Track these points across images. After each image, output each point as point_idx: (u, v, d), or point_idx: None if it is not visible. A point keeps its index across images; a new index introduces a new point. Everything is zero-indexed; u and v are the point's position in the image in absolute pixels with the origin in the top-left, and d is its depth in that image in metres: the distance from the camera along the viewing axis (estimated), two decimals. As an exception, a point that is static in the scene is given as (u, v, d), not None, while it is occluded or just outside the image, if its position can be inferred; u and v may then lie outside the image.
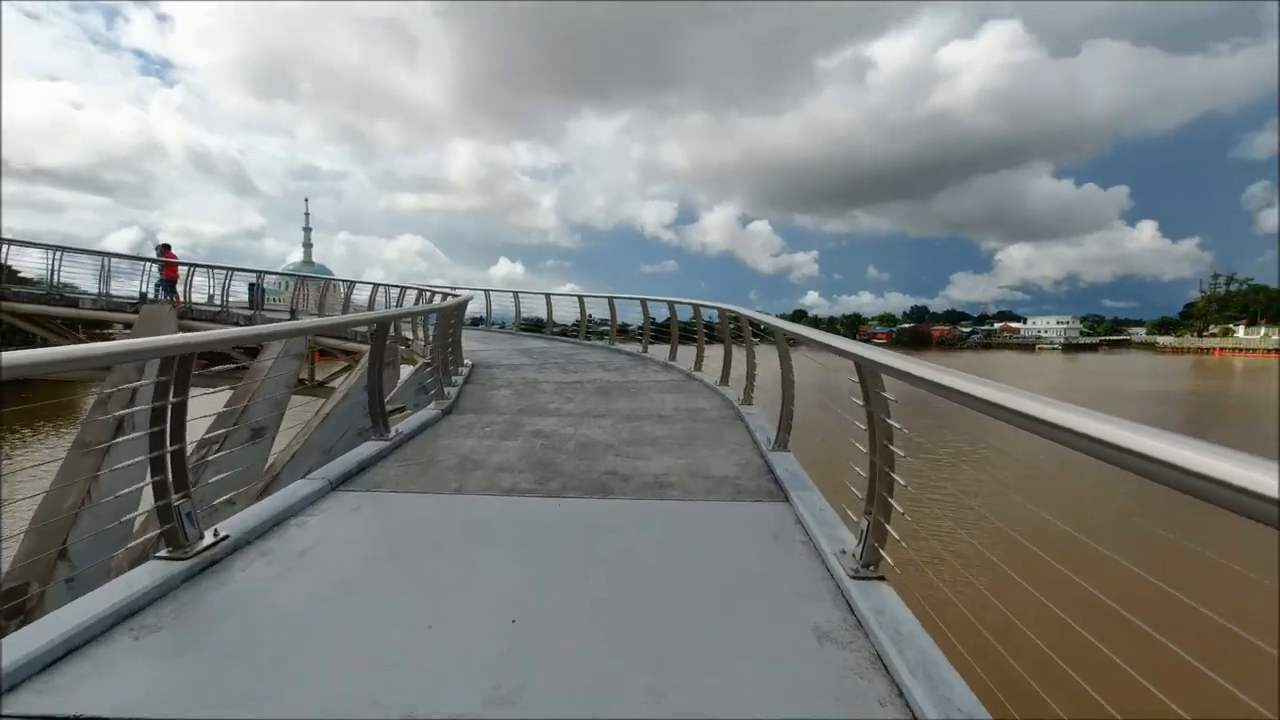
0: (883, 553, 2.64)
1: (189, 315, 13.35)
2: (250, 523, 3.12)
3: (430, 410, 5.94)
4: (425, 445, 4.91)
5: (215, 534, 2.95)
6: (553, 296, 14.61)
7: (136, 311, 12.76)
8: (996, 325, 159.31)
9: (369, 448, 4.61)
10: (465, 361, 9.23)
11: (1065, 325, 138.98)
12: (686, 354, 9.55)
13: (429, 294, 11.52)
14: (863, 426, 2.78)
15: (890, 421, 2.64)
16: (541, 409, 6.34)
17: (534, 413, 6.17)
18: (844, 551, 2.81)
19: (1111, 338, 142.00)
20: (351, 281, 15.69)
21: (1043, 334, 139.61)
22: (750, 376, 6.32)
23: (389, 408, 6.23)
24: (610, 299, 12.17)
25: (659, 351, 10.73)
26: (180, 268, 14.26)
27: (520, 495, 3.80)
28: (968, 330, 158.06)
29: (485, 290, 15.99)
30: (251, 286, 16.49)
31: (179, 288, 13.66)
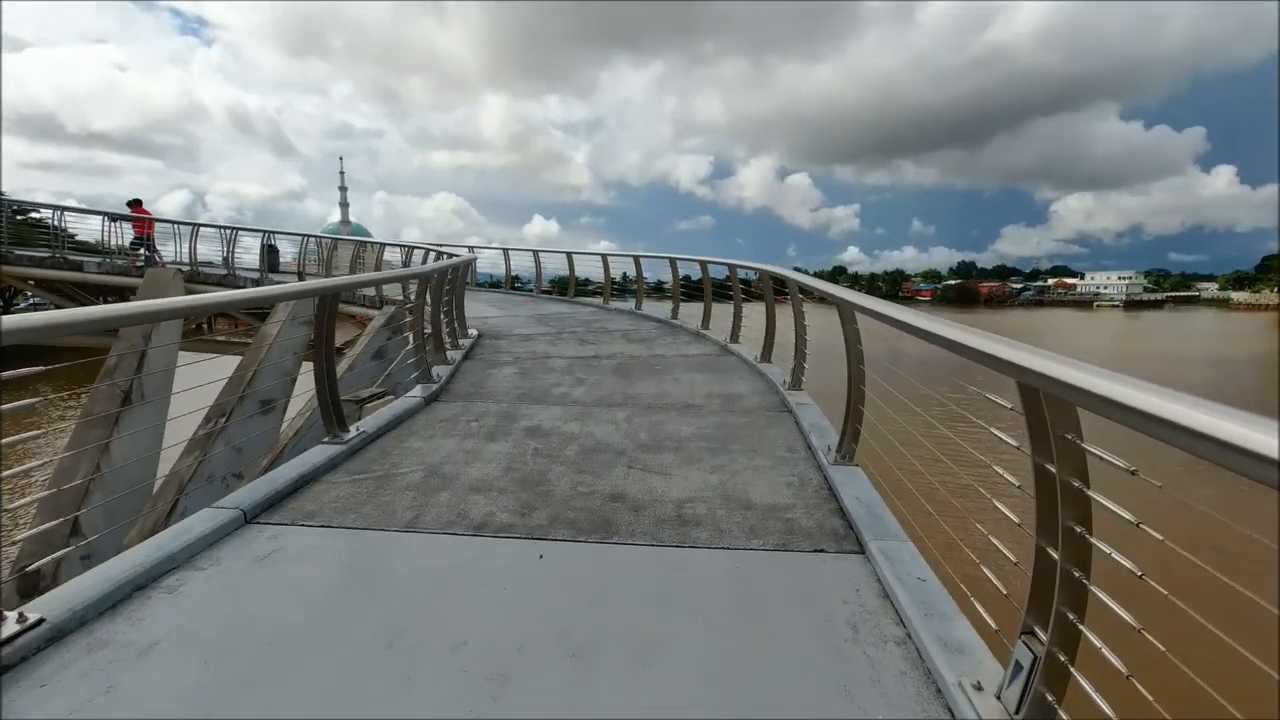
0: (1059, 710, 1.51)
1: (196, 279, 12.74)
2: (89, 593, 2.18)
3: (411, 398, 4.96)
4: (391, 449, 3.93)
5: (21, 619, 2.01)
6: (576, 256, 13.46)
7: (141, 276, 12.19)
8: (1050, 281, 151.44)
9: (317, 454, 3.65)
10: (470, 331, 8.24)
11: (1127, 281, 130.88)
12: (721, 321, 8.36)
13: (436, 254, 10.55)
14: (1015, 449, 1.63)
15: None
16: (545, 395, 5.30)
17: (536, 400, 5.13)
18: (979, 686, 1.70)
19: (1179, 294, 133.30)
20: (362, 241, 14.82)
21: (1102, 290, 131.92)
22: (800, 354, 5.13)
23: (373, 391, 5.29)
24: (636, 258, 10.96)
25: (691, 316, 9.54)
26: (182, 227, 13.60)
27: (491, 535, 2.78)
28: (1019, 287, 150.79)
29: (504, 249, 14.91)
30: (266, 248, 15.79)
31: (166, 248, 12.99)
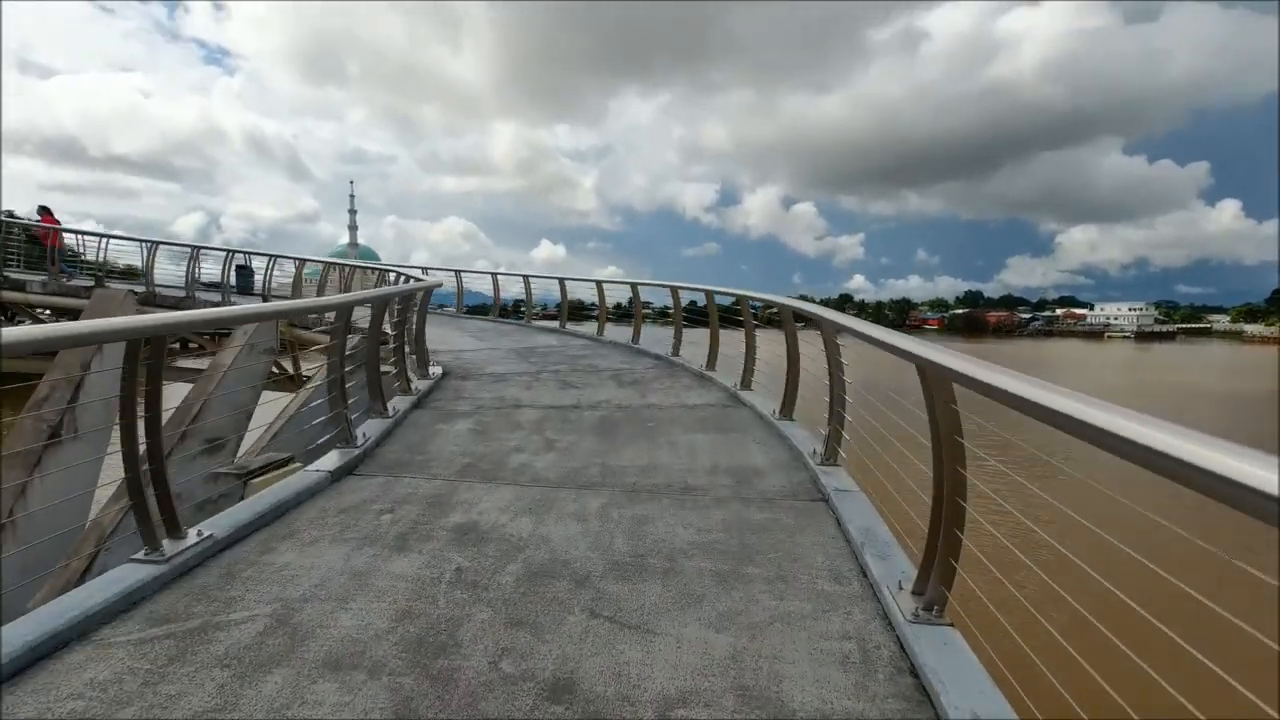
0: None
1: (152, 301, 11.63)
2: None
3: (312, 472, 3.68)
4: (240, 568, 2.63)
5: None
6: (572, 283, 12.30)
7: (89, 297, 11.08)
8: (1058, 311, 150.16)
9: (122, 577, 2.38)
10: (434, 370, 7.00)
11: (1138, 312, 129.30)
12: (730, 361, 7.11)
13: (403, 277, 9.43)
14: None
15: None
16: (500, 466, 4.02)
17: (485, 474, 3.85)
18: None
19: (1190, 326, 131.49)
20: (328, 262, 13.73)
21: (1112, 321, 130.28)
22: (836, 416, 3.86)
23: (270, 459, 4.05)
24: (634, 286, 9.78)
25: (694, 352, 8.29)
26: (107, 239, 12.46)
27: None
28: (1027, 316, 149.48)
29: (492, 273, 13.79)
30: (241, 269, 14.71)
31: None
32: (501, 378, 7.01)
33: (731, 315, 7.29)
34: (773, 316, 6.72)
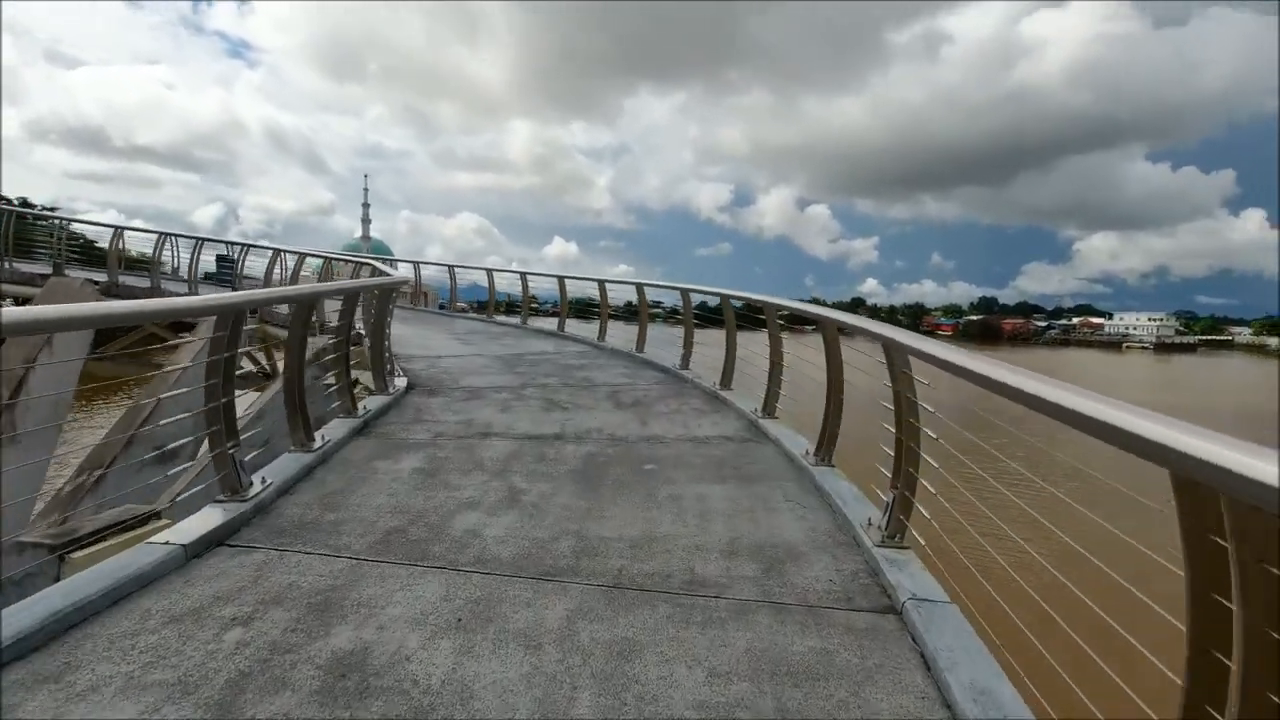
0: None
1: (114, 292, 10.68)
2: None
3: (160, 544, 2.59)
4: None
5: None
6: (570, 281, 11.23)
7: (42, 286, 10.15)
8: (1075, 320, 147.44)
9: None
10: (397, 382, 5.93)
11: (1158, 322, 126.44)
12: (749, 379, 5.99)
13: (369, 270, 8.36)
14: None
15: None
16: (435, 534, 2.92)
17: (408, 551, 2.75)
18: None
19: (1211, 338, 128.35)
20: (300, 254, 12.68)
21: (1131, 331, 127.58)
22: (904, 477, 2.74)
23: (122, 516, 3.00)
24: (639, 286, 8.67)
25: (707, 364, 7.18)
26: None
27: None
28: (1043, 324, 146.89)
29: (487, 270, 12.71)
30: (222, 260, 13.75)
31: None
32: (477, 393, 5.92)
33: (752, 316, 6.18)
34: (788, 324, 5.61)
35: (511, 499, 3.37)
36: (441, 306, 16.14)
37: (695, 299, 7.57)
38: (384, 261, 12.36)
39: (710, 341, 7.23)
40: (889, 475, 2.88)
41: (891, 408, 2.87)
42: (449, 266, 13.20)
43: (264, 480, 3.22)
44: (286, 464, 3.54)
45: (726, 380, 6.25)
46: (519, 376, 6.82)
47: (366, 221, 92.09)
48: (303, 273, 12.89)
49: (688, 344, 7.34)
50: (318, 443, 3.89)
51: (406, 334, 9.57)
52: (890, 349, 2.87)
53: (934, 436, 2.71)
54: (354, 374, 5.29)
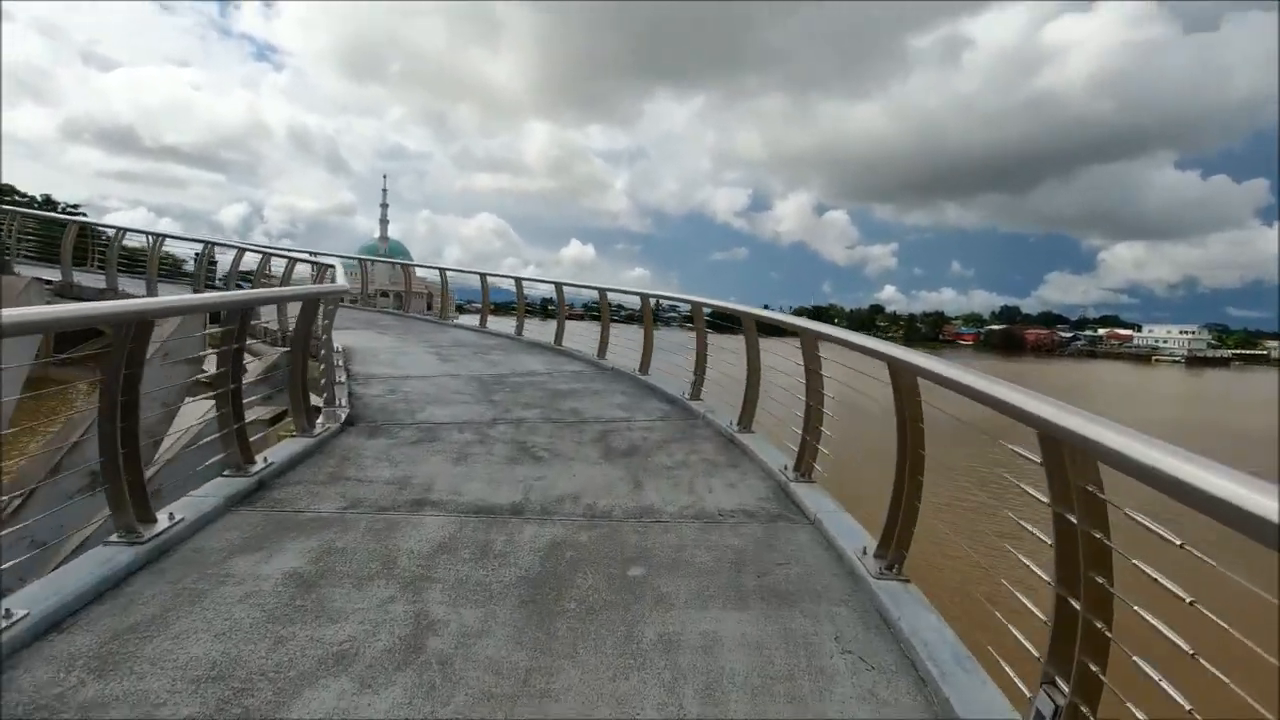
0: None
1: (68, 294, 9.72)
2: None
3: None
4: None
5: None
6: (573, 287, 10.04)
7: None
8: (1101, 331, 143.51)
9: None
10: (339, 412, 4.75)
11: (1189, 335, 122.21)
12: (769, 418, 4.75)
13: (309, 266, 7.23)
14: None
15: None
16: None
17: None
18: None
19: (1246, 352, 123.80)
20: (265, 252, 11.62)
21: (1161, 344, 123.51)
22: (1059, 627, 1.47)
23: None
24: (644, 298, 7.42)
25: (722, 389, 5.95)
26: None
27: None
28: (1068, 335, 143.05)
29: (481, 274, 11.52)
30: (197, 257, 12.72)
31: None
32: (433, 432, 4.72)
33: (771, 325, 4.95)
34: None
35: (412, 645, 2.15)
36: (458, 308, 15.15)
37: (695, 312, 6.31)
38: (394, 266, 11.20)
39: (728, 348, 5.93)
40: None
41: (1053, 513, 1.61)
42: (440, 269, 12.08)
43: (9, 615, 2.02)
44: (79, 573, 2.34)
45: (746, 419, 4.99)
46: (493, 407, 5.61)
47: (385, 222, 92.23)
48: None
49: (699, 370, 6.09)
50: (160, 525, 2.71)
51: (378, 347, 8.44)
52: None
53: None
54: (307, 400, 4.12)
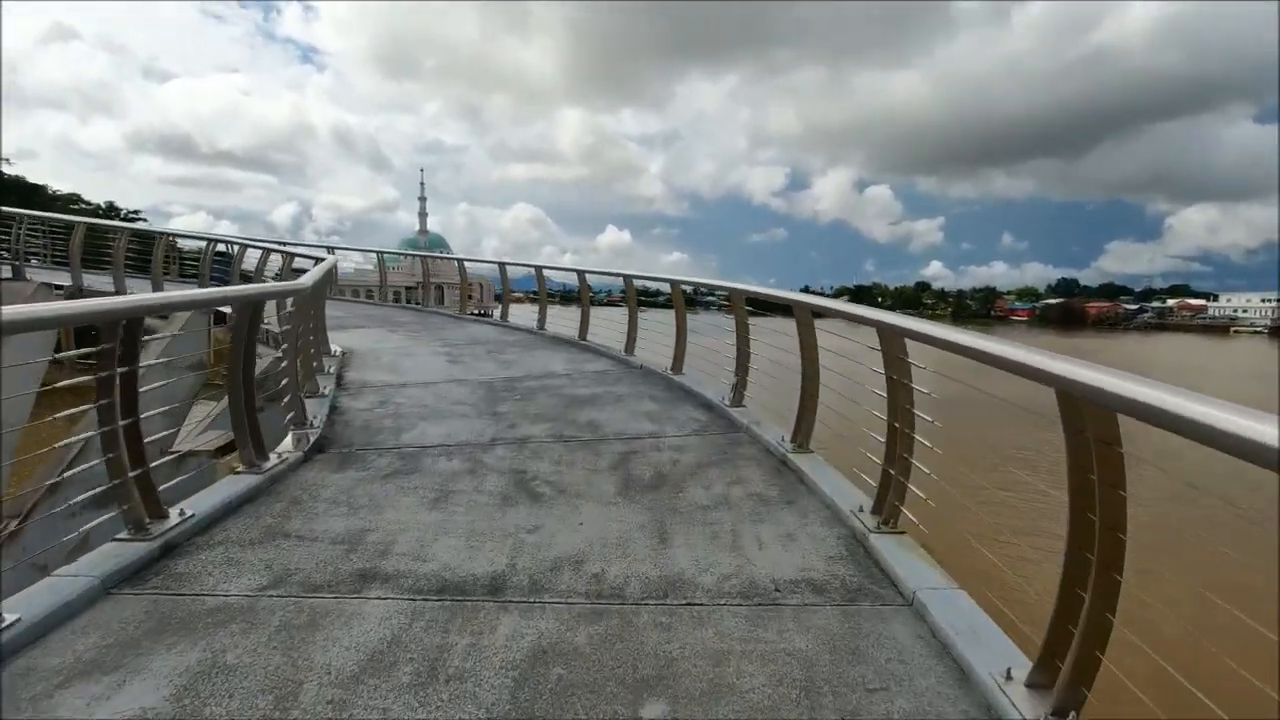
0: None
1: (78, 296, 9.34)
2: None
3: None
4: None
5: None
6: (610, 275, 9.10)
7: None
8: (1171, 302, 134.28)
9: None
10: (309, 429, 3.96)
11: (1273, 303, 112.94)
12: (829, 437, 3.73)
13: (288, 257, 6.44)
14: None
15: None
16: None
17: None
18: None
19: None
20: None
21: (1239, 313, 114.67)
22: None
23: None
24: (674, 283, 6.43)
25: (771, 390, 4.95)
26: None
27: None
28: (1133, 308, 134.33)
29: (499, 262, 10.68)
30: (220, 257, 12.33)
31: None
32: (415, 460, 3.86)
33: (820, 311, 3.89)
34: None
35: None
36: (497, 298, 14.45)
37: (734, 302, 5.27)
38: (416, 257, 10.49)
39: (770, 338, 4.91)
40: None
41: None
42: (459, 260, 11.33)
43: None
44: None
45: (802, 435, 3.96)
46: (495, 422, 4.74)
47: (424, 215, 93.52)
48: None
49: (742, 370, 5.07)
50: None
51: (384, 348, 7.70)
52: None
53: None
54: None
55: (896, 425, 2.87)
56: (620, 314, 7.83)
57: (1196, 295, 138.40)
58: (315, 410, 4.57)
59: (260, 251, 11.94)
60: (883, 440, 2.96)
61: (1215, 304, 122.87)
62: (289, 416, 4.05)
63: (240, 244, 10.46)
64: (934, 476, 2.68)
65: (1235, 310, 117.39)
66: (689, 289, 6.74)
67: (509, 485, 3.49)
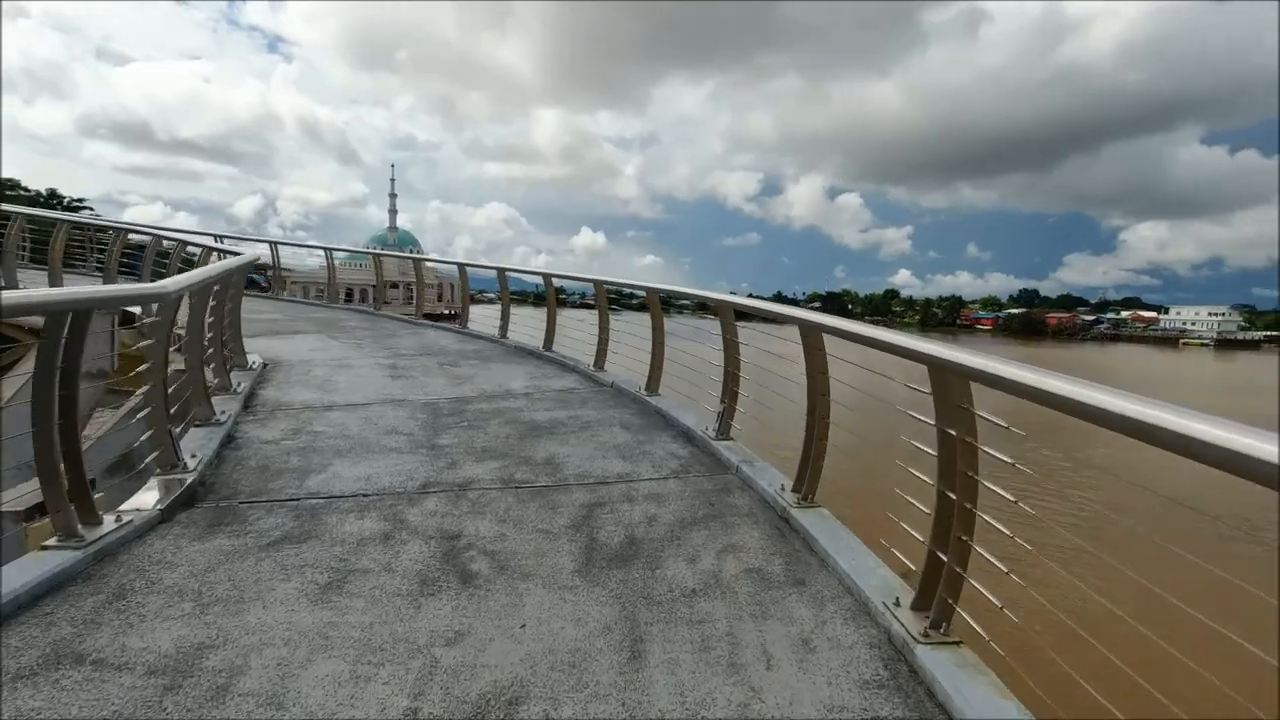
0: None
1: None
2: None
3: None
4: None
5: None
6: (582, 279, 8.25)
7: None
8: (1125, 314, 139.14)
9: None
10: (184, 473, 3.04)
11: (1219, 316, 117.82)
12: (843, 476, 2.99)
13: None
14: None
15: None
16: None
17: None
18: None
19: (1278, 333, 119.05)
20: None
21: (1189, 326, 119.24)
22: None
23: None
24: (651, 290, 5.65)
25: (771, 418, 4.20)
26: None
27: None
28: (1090, 319, 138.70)
29: (459, 264, 9.75)
30: (134, 250, 11.05)
31: None
32: (315, 519, 2.98)
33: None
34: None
35: None
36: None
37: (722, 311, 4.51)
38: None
39: (757, 337, 4.18)
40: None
41: None
42: (414, 259, 10.27)
43: None
44: None
45: (809, 484, 3.21)
46: (433, 459, 3.87)
47: (393, 212, 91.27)
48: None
49: (730, 395, 4.30)
50: None
51: (319, 358, 6.72)
52: None
53: None
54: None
55: (953, 496, 2.14)
56: (593, 316, 7.01)
57: (1148, 308, 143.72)
58: (200, 445, 3.64)
59: (204, 244, 10.80)
60: (928, 511, 2.23)
61: (1166, 316, 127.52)
62: (152, 456, 3.13)
63: (153, 234, 9.30)
64: (1014, 577, 1.93)
65: (1185, 322, 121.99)
66: (665, 294, 5.96)
67: (433, 559, 2.64)
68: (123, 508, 2.80)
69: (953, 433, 2.11)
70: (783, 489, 3.34)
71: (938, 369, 2.12)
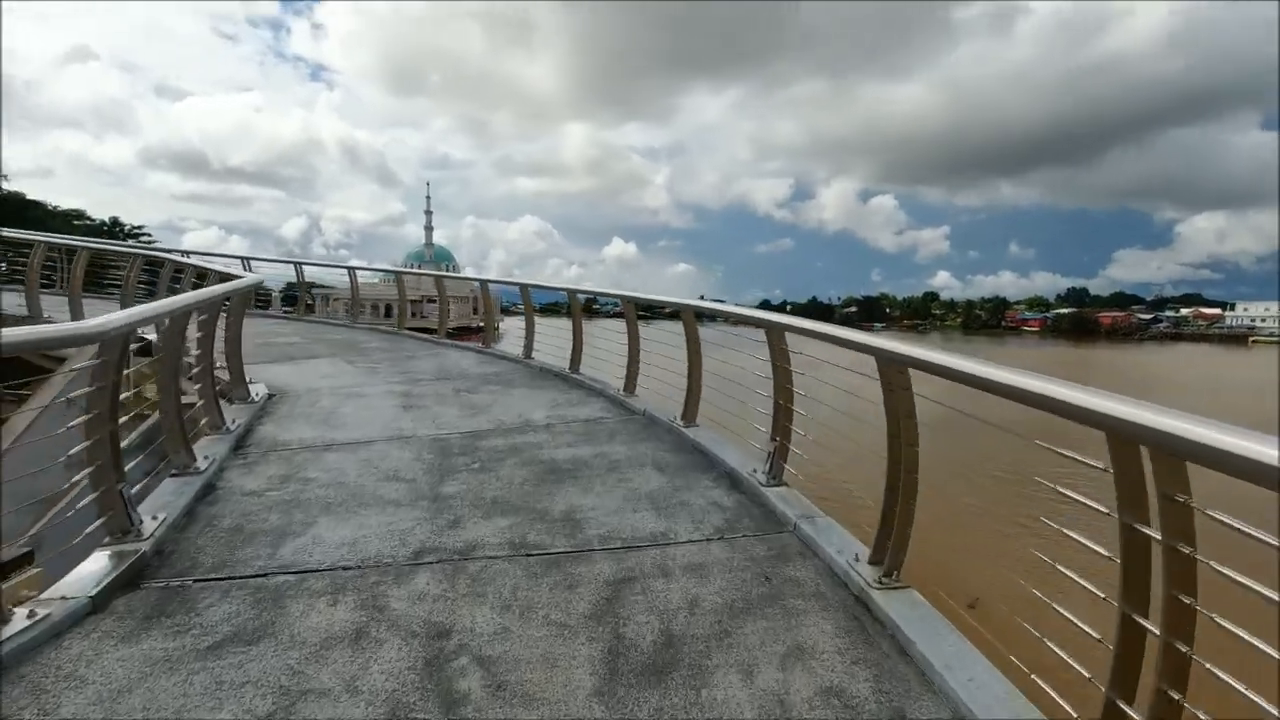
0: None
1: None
2: None
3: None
4: None
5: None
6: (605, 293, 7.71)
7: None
8: (1185, 311, 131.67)
9: None
10: (137, 539, 2.54)
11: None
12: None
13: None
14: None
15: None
16: None
17: None
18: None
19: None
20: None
21: (1258, 322, 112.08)
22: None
23: None
24: (685, 308, 5.00)
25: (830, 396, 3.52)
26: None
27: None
28: (1147, 317, 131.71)
29: (480, 280, 9.25)
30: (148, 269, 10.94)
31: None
32: (274, 606, 2.41)
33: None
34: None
35: None
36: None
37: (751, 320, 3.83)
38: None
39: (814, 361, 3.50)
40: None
41: None
42: (436, 276, 9.90)
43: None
44: None
45: (895, 556, 2.52)
46: (433, 513, 3.30)
47: (429, 229, 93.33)
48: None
49: (781, 430, 3.62)
50: None
51: (328, 386, 6.28)
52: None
53: None
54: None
55: (1144, 621, 1.43)
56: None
57: (1210, 303, 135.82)
58: (168, 500, 3.16)
59: (238, 264, 10.67)
60: (1095, 634, 1.53)
61: (1232, 313, 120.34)
62: (98, 524, 2.64)
63: (163, 257, 9.12)
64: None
65: (1253, 319, 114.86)
66: (699, 311, 5.32)
67: (411, 673, 2.05)
68: (46, 595, 2.30)
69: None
70: (856, 559, 2.65)
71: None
